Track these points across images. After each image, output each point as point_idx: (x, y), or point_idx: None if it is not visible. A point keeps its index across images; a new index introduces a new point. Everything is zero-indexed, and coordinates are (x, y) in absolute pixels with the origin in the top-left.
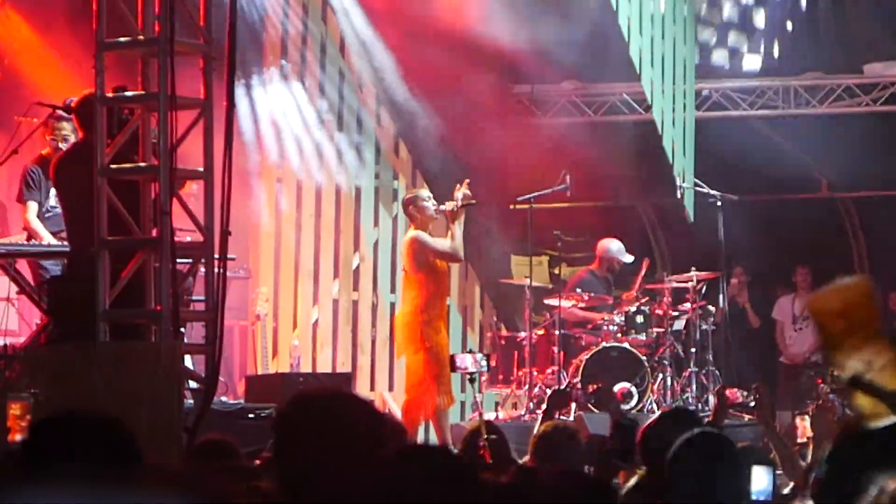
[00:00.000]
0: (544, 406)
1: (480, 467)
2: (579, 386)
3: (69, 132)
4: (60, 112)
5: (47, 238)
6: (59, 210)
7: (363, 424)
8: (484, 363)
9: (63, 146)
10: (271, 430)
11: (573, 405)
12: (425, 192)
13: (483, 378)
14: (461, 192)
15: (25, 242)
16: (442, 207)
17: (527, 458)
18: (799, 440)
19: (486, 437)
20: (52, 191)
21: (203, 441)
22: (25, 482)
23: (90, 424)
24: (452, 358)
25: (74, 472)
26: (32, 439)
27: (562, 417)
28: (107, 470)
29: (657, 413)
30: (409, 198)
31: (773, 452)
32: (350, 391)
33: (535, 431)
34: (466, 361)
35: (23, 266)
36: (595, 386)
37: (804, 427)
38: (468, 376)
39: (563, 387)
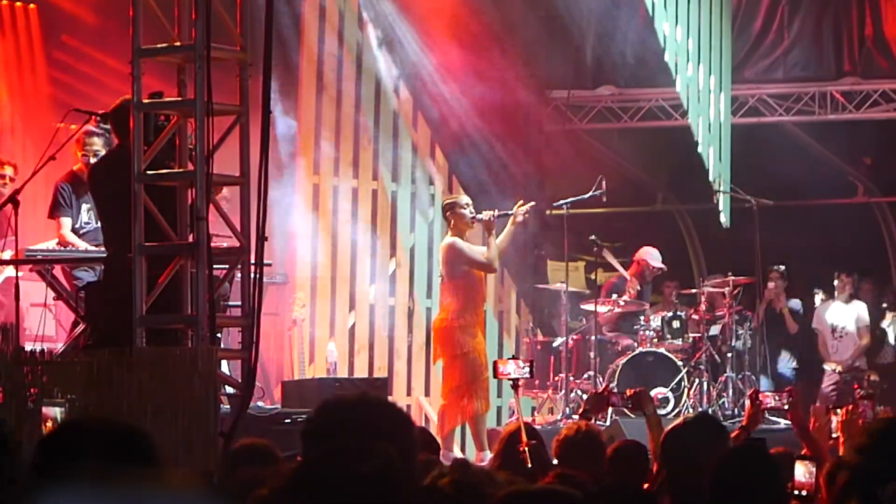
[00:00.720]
0: (581, 409)
1: (521, 472)
2: (616, 390)
3: (100, 147)
4: (90, 128)
5: (83, 247)
6: (92, 226)
7: (391, 429)
8: (527, 369)
9: (94, 161)
10: (301, 436)
11: (610, 409)
12: (464, 199)
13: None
14: (522, 207)
15: (62, 248)
16: (479, 217)
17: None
18: (833, 434)
19: (526, 441)
20: (85, 206)
21: (241, 445)
22: (32, 494)
23: (102, 432)
24: (496, 364)
25: (80, 479)
26: (42, 450)
27: (598, 422)
28: (115, 477)
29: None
30: (448, 202)
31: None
32: (379, 396)
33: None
34: (509, 367)
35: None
36: (633, 391)
37: (838, 423)
38: (511, 382)
39: (600, 391)
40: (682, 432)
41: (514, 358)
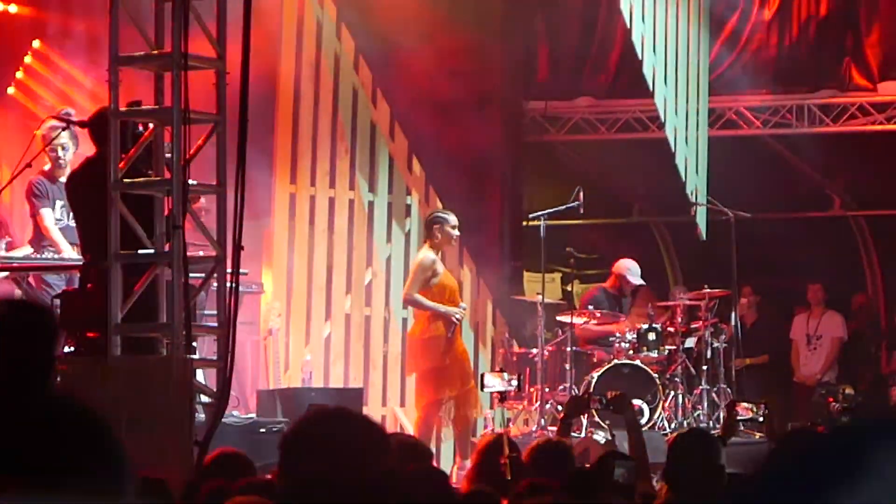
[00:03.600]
0: (562, 414)
1: (498, 483)
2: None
3: (67, 139)
4: (54, 122)
5: (66, 250)
6: (64, 223)
7: (368, 445)
8: (514, 383)
9: (62, 153)
10: (278, 448)
11: (584, 419)
12: (454, 219)
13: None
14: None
15: (37, 255)
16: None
17: None
18: None
19: (507, 454)
20: (58, 202)
21: (218, 455)
22: None
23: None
24: (482, 377)
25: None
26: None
27: (573, 434)
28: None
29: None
30: (437, 216)
31: None
32: (357, 411)
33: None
34: (496, 381)
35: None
36: (614, 393)
37: None
38: (498, 396)
39: (580, 394)
40: (681, 446)
41: (500, 371)
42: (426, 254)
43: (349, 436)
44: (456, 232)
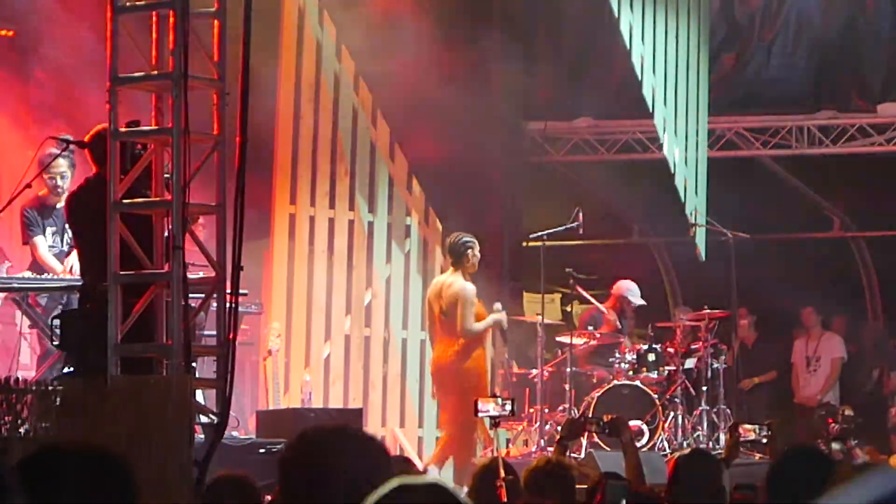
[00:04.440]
0: (559, 437)
1: None
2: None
3: (65, 168)
4: (53, 150)
5: (59, 269)
6: (57, 248)
7: (368, 461)
8: (508, 407)
9: (60, 182)
10: (277, 466)
11: (584, 442)
12: (477, 245)
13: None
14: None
15: (37, 276)
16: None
17: None
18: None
19: (503, 476)
20: (49, 229)
21: (220, 477)
22: None
23: (81, 456)
24: (475, 402)
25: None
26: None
27: (573, 455)
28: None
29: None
30: (467, 241)
31: None
32: (357, 427)
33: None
34: (489, 406)
35: None
36: (611, 417)
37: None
38: (492, 421)
39: (576, 417)
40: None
41: (493, 396)
42: (465, 285)
43: (348, 453)
44: (479, 255)
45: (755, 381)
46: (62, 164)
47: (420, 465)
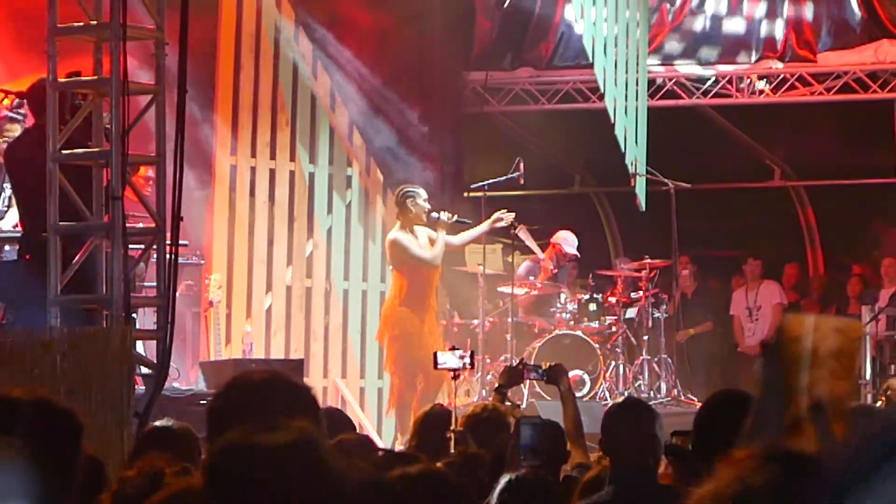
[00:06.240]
0: (497, 384)
1: (438, 455)
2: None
3: (19, 132)
4: (9, 113)
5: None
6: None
7: (297, 410)
8: (467, 359)
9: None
10: (206, 416)
11: (525, 390)
12: (424, 194)
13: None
14: (503, 214)
15: None
16: (436, 216)
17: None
18: None
19: (452, 428)
20: (4, 194)
21: (156, 427)
22: None
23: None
24: (434, 355)
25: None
26: None
27: (515, 404)
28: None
29: (616, 402)
30: (407, 191)
31: None
32: (287, 376)
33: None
34: (448, 358)
35: None
36: (549, 364)
37: None
38: (451, 373)
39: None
40: (621, 415)
41: (453, 349)
42: (395, 234)
43: (277, 402)
44: (427, 205)
45: (690, 333)
46: (17, 129)
47: (360, 416)
